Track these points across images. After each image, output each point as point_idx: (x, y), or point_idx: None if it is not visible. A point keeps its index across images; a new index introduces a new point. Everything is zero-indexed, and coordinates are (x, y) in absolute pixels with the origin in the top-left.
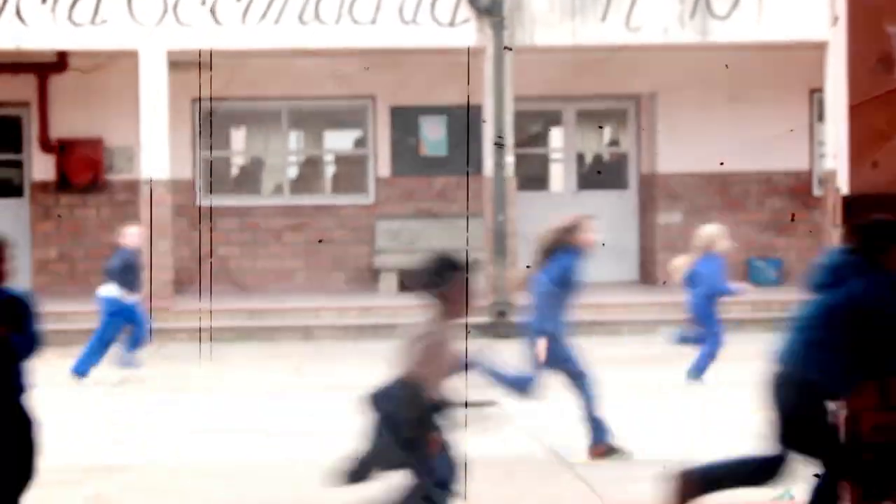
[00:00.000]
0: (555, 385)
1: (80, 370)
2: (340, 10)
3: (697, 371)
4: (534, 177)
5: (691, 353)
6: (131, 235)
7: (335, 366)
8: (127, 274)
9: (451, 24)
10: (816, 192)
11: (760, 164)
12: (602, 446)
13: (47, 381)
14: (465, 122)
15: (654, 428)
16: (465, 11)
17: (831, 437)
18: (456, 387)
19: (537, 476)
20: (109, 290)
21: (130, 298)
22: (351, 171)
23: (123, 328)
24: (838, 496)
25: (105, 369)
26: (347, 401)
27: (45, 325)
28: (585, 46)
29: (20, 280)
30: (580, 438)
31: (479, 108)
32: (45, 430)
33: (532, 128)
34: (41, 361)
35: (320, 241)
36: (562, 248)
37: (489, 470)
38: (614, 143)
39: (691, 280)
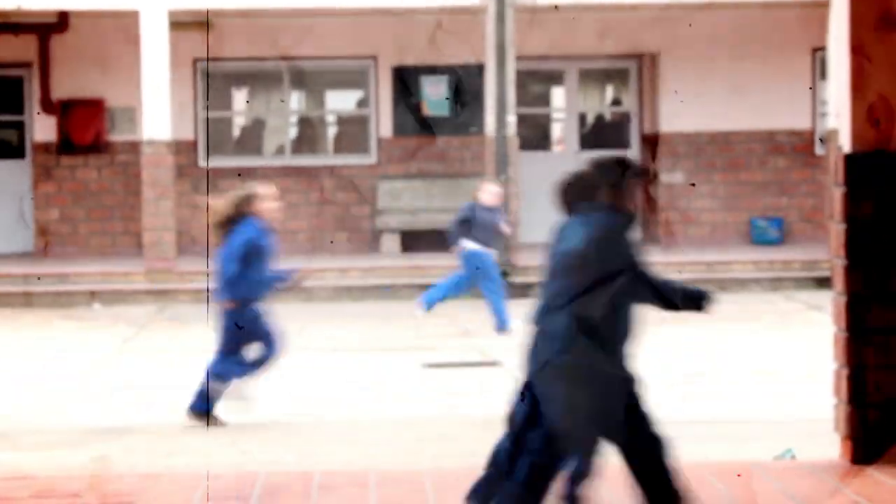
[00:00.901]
0: None
1: (428, 300)
2: None
3: None
4: (536, 137)
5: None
6: (490, 193)
7: (337, 327)
8: (470, 227)
9: None
10: (819, 150)
11: (763, 123)
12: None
13: (52, 344)
14: (466, 81)
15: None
16: None
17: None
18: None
19: None
20: (470, 244)
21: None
22: (353, 131)
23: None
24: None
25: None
26: (349, 361)
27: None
28: (587, 5)
29: (23, 241)
30: None
31: (481, 68)
32: (50, 393)
33: (534, 88)
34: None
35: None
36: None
37: (491, 426)
38: (616, 102)
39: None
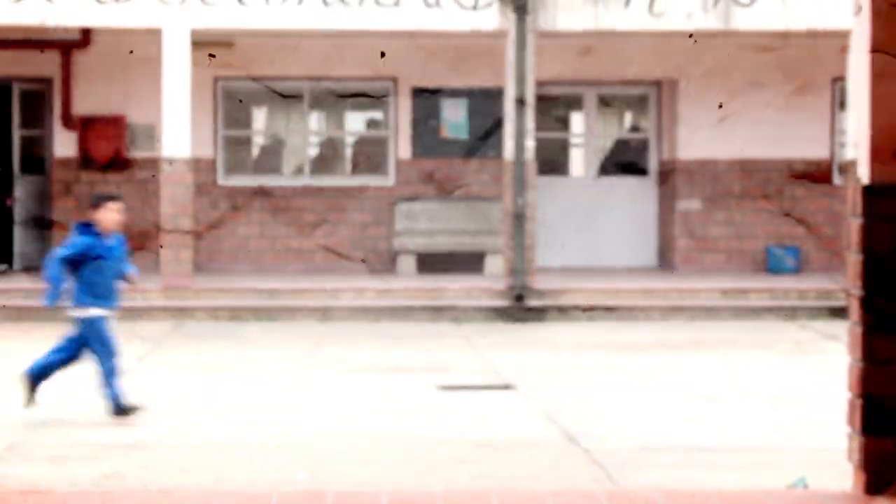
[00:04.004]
0: (570, 368)
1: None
2: None
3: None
4: (554, 161)
5: (707, 341)
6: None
7: (354, 347)
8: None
9: (475, 7)
10: (837, 181)
11: (781, 152)
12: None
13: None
14: (486, 104)
15: (670, 414)
16: None
17: None
18: None
19: (552, 458)
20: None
21: None
22: (371, 152)
23: None
24: None
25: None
26: (364, 382)
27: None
28: (608, 31)
29: (42, 257)
30: (596, 421)
31: (500, 92)
32: (65, 407)
33: (553, 112)
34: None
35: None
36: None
37: (504, 449)
38: (635, 128)
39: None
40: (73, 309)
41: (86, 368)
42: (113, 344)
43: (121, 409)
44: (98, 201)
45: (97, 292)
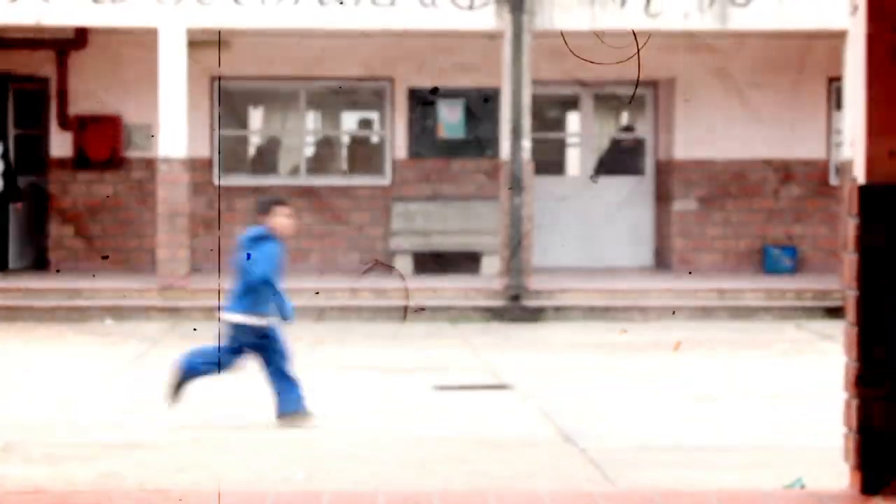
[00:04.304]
0: (567, 368)
1: None
2: None
3: None
4: (550, 161)
5: (704, 341)
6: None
7: (350, 347)
8: None
9: (471, 7)
10: (833, 181)
11: (777, 151)
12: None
13: (64, 358)
14: (482, 105)
15: (667, 414)
16: None
17: None
18: None
19: (549, 458)
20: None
21: None
22: (368, 152)
23: None
24: None
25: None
26: (360, 381)
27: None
28: (605, 31)
29: (37, 256)
30: (593, 421)
31: (497, 91)
32: (61, 407)
33: (549, 112)
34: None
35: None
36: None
37: (501, 449)
38: (627, 128)
39: None
40: (228, 314)
41: (92, 371)
42: (284, 350)
43: (287, 415)
44: (268, 206)
45: (259, 299)
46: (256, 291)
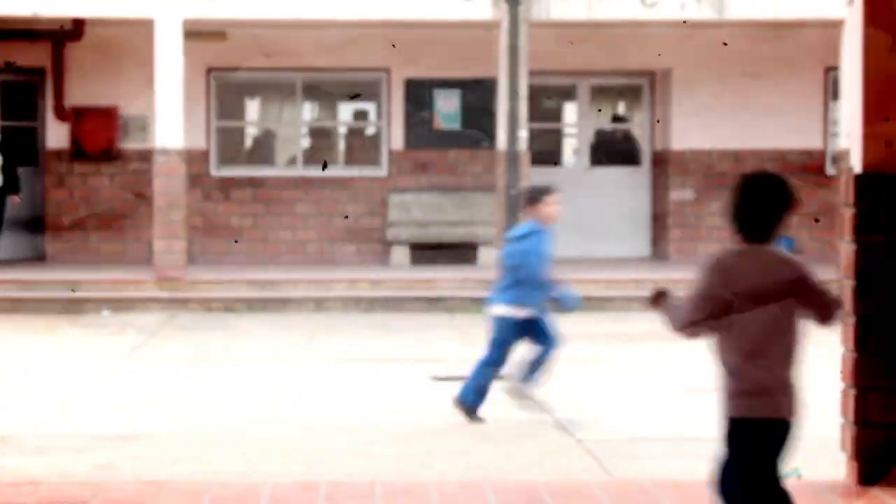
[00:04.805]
0: (563, 358)
1: None
2: None
3: None
4: (547, 152)
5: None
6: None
7: (347, 338)
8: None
9: None
10: (830, 171)
11: (774, 142)
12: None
13: (61, 350)
14: (479, 95)
15: (664, 404)
16: None
17: None
18: None
19: (545, 448)
20: None
21: None
22: (364, 143)
23: None
24: None
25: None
26: (357, 373)
27: (57, 293)
28: (601, 21)
29: (34, 248)
30: (589, 412)
31: (493, 82)
32: (57, 398)
33: (546, 103)
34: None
35: (346, 217)
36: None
37: (497, 440)
38: (617, 118)
39: None
40: (495, 307)
41: (91, 362)
42: (554, 337)
43: (468, 408)
44: (537, 195)
45: (525, 293)
46: (524, 284)
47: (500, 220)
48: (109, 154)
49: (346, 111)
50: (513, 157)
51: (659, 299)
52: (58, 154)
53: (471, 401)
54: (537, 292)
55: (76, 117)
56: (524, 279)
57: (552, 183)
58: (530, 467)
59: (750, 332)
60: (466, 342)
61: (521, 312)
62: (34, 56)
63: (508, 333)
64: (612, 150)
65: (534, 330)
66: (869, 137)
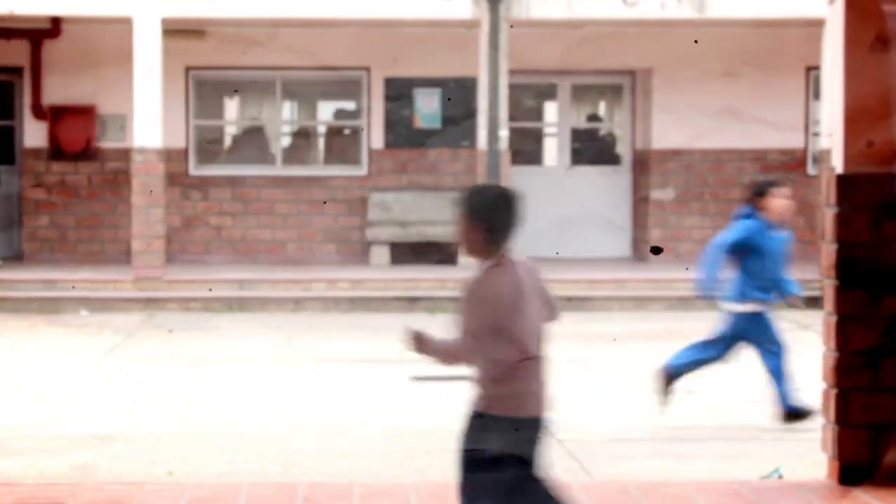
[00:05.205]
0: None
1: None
2: None
3: None
4: (527, 151)
5: (681, 332)
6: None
7: (326, 338)
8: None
9: None
10: (811, 170)
11: (755, 141)
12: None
13: (38, 350)
14: (459, 94)
15: (645, 404)
16: None
17: None
18: None
19: None
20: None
21: None
22: (344, 142)
23: None
24: None
25: (96, 340)
26: (337, 373)
27: (34, 293)
28: (582, 20)
29: (11, 247)
30: (570, 412)
31: (474, 81)
32: (35, 399)
33: (527, 102)
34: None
35: (325, 202)
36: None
37: None
38: (593, 117)
39: None
40: (727, 302)
41: (72, 363)
42: (778, 340)
43: (792, 412)
44: (764, 188)
45: (757, 286)
46: (753, 279)
47: None
48: (87, 153)
49: (325, 110)
50: (493, 156)
51: (420, 342)
52: (35, 153)
53: (673, 372)
54: (764, 288)
55: (54, 116)
56: (755, 276)
57: (778, 176)
58: None
59: None
60: None
61: (746, 308)
62: (11, 54)
63: (736, 329)
64: (592, 149)
65: (754, 330)
66: (851, 137)
